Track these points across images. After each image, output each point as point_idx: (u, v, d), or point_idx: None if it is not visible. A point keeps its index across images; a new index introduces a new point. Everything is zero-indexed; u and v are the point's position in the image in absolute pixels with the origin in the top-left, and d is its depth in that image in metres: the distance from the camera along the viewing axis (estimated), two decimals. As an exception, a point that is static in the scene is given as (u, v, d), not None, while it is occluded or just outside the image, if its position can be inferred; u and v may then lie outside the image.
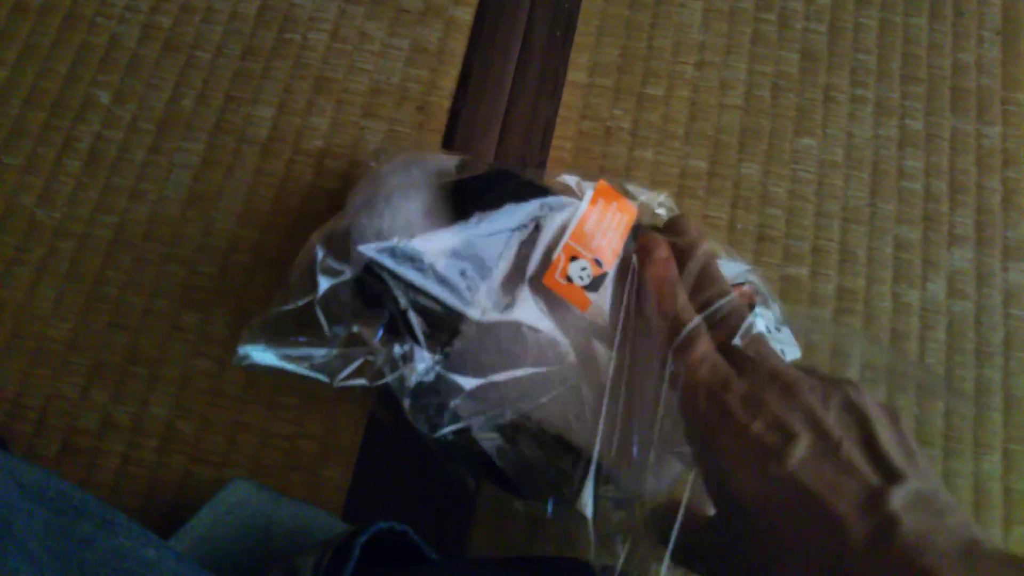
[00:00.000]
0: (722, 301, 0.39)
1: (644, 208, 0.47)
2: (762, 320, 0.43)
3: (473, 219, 0.43)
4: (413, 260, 0.42)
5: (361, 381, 0.43)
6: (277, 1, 0.60)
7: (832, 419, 0.34)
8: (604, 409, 0.41)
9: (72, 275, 0.53)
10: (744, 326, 0.38)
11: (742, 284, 0.45)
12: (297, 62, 0.58)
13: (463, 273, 0.42)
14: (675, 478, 0.42)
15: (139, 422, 0.51)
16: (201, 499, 0.47)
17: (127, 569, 0.33)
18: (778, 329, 0.44)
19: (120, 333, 0.52)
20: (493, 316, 0.42)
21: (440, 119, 0.57)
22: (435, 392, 0.43)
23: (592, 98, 0.59)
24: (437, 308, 0.42)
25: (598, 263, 0.42)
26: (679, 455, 0.40)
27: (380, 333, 0.44)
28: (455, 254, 0.43)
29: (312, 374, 0.44)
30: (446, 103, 0.58)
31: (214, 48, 0.59)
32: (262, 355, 0.43)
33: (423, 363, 0.43)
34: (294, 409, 0.51)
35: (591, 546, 0.39)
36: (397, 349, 0.42)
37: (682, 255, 0.42)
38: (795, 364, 0.38)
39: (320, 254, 0.44)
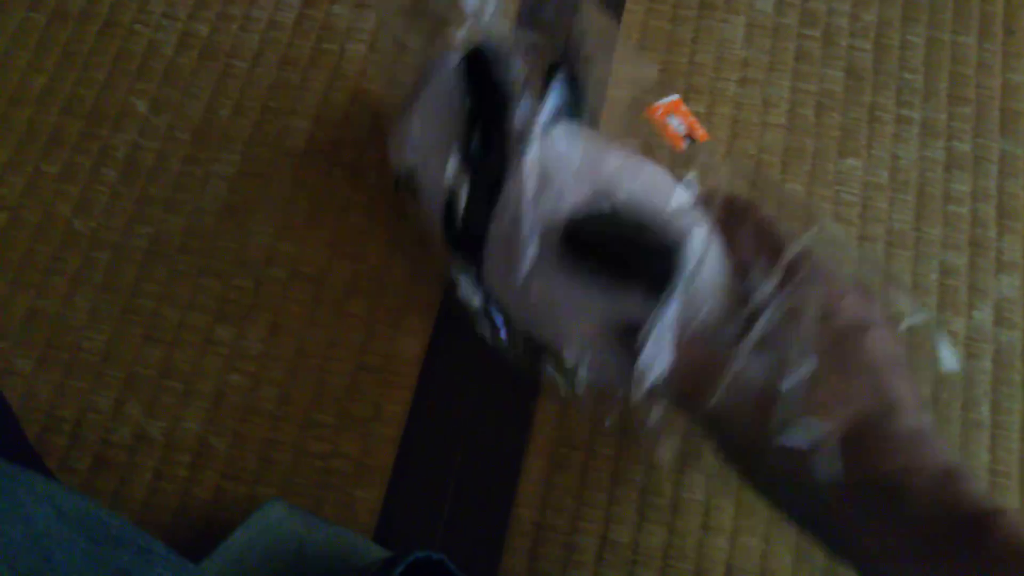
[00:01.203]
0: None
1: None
2: None
3: None
4: None
5: None
6: (315, 10, 0.59)
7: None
8: None
9: (107, 286, 0.53)
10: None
11: None
12: (334, 73, 0.58)
13: None
14: None
15: (172, 437, 0.50)
16: (233, 516, 0.47)
17: (166, 602, 0.33)
18: None
19: (154, 346, 0.52)
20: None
21: (478, 133, 0.57)
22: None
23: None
24: None
25: (692, 131, 0.46)
26: None
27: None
28: None
29: None
30: (484, 116, 0.57)
31: (251, 57, 0.58)
32: None
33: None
34: (329, 427, 0.50)
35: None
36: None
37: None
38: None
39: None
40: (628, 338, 0.39)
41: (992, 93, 0.60)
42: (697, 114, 0.57)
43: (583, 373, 0.42)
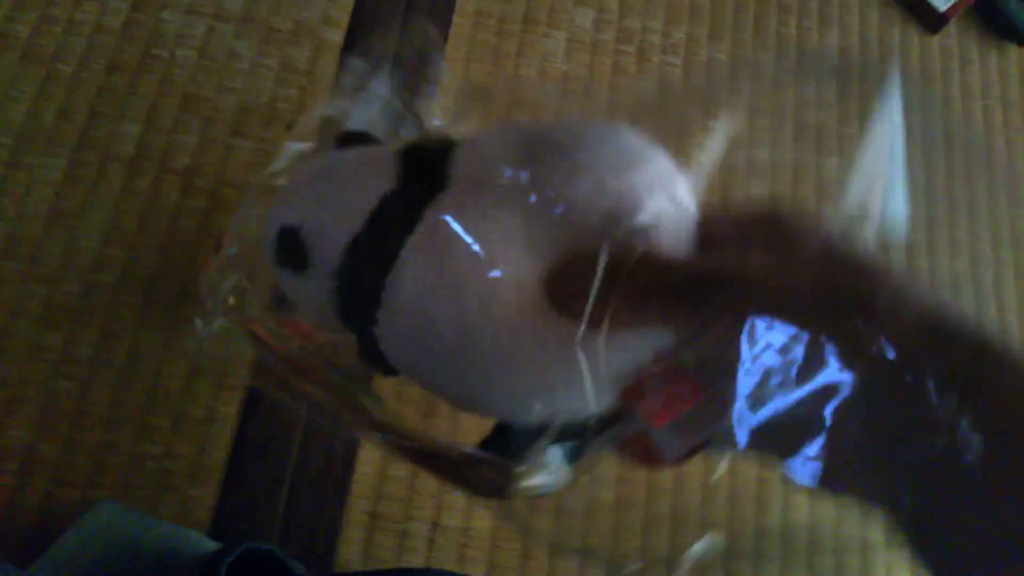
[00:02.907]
0: None
1: None
2: None
3: None
4: None
5: None
6: (144, 16, 0.59)
7: None
8: None
9: (-77, 294, 0.52)
10: None
11: None
12: (164, 79, 0.58)
13: None
14: None
15: (-3, 446, 0.50)
16: (64, 522, 0.47)
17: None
18: None
19: (-24, 355, 0.51)
20: None
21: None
22: None
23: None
24: None
25: None
26: None
27: None
28: None
29: None
30: (315, 123, 0.59)
31: (77, 61, 0.58)
32: None
33: None
34: (165, 430, 0.51)
35: None
36: None
37: None
38: None
39: None
40: None
41: (786, 107, 0.66)
42: (521, 123, 0.61)
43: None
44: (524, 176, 0.33)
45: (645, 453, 0.35)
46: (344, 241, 0.41)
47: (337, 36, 0.61)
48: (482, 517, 0.52)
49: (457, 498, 0.52)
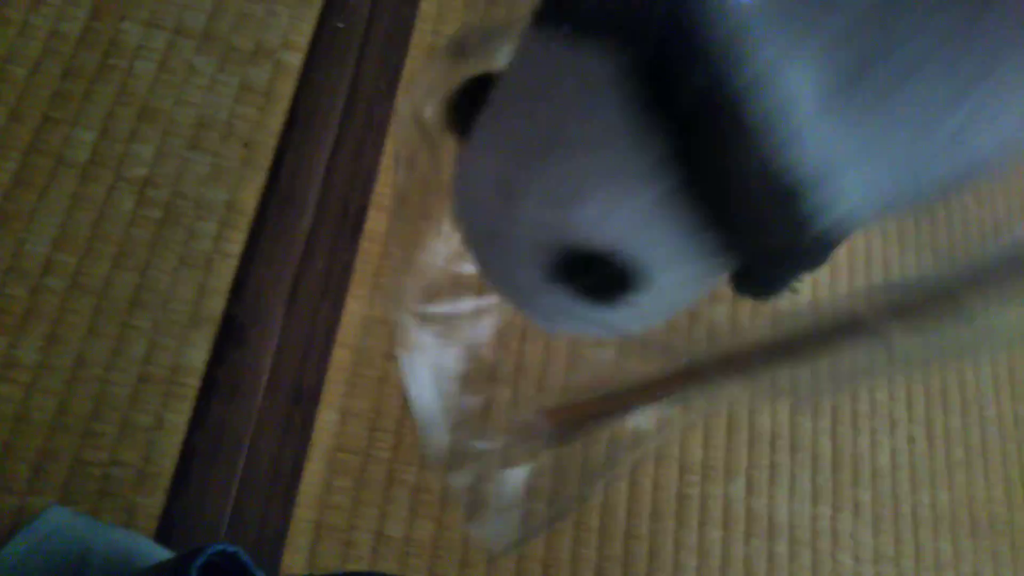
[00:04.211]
0: None
1: None
2: None
3: None
4: None
5: None
6: (102, 24, 0.59)
7: None
8: None
9: None
10: None
11: None
12: (122, 88, 0.58)
13: None
14: None
15: (-66, 448, 0.49)
16: (0, 529, 0.47)
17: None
18: None
19: (-84, 354, 0.50)
20: None
21: (266, 157, 0.60)
22: None
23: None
24: None
25: None
26: None
27: None
28: None
29: None
30: (272, 142, 0.60)
31: (31, 64, 0.57)
32: None
33: None
34: (110, 437, 0.51)
35: None
36: None
37: None
38: None
39: None
40: None
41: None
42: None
43: None
44: None
45: None
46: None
47: (297, 60, 0.63)
48: (423, 528, 0.54)
49: (400, 508, 0.54)
